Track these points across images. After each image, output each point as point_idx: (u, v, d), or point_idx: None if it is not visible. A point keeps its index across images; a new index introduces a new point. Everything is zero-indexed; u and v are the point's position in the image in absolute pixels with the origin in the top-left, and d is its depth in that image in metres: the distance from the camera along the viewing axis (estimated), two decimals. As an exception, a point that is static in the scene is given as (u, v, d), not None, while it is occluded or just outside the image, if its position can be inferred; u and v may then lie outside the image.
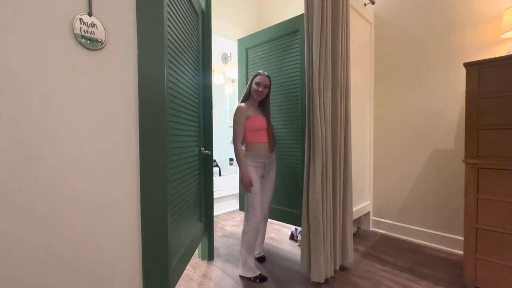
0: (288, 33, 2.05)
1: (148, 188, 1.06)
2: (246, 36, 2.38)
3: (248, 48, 2.35)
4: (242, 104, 1.66)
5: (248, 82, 1.71)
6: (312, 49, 1.58)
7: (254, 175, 1.65)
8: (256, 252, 1.86)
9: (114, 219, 0.98)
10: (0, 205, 0.74)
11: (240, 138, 1.62)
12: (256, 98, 1.68)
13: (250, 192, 1.62)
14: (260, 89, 1.63)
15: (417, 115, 2.22)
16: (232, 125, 1.69)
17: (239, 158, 1.61)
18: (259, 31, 2.27)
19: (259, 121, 1.66)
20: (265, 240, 2.28)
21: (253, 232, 1.65)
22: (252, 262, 1.68)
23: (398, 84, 2.33)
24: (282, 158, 2.14)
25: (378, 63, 2.46)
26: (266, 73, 1.69)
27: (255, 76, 1.67)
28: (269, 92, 1.73)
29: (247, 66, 2.38)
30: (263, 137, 1.68)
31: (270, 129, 1.75)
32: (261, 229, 1.89)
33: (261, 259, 1.93)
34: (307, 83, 1.61)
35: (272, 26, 2.17)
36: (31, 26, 0.79)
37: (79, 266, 0.90)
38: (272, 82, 1.85)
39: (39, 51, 0.80)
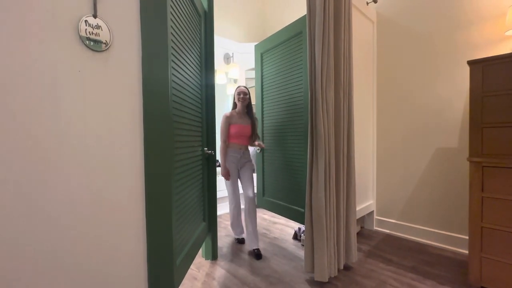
0: (293, 36, 2.10)
1: (152, 187, 1.07)
2: (261, 42, 2.46)
3: (263, 52, 2.45)
4: (227, 113, 2.15)
5: (233, 96, 2.21)
6: (315, 48, 1.59)
7: (232, 166, 2.12)
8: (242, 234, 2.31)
9: (120, 218, 0.99)
10: (4, 206, 0.76)
11: (223, 138, 2.11)
12: (240, 105, 2.13)
13: (228, 180, 2.12)
14: (241, 96, 2.12)
15: (420, 113, 2.21)
16: None
17: (221, 154, 2.10)
18: (271, 36, 2.34)
19: (238, 127, 2.12)
20: (268, 240, 2.30)
21: (232, 213, 2.18)
22: (237, 232, 2.25)
23: (401, 82, 2.32)
24: (290, 156, 2.16)
25: (381, 62, 2.45)
26: (244, 86, 2.21)
27: (236, 89, 2.18)
28: (250, 100, 2.20)
29: (262, 69, 2.45)
30: (237, 140, 2.14)
31: (250, 134, 2.17)
32: (245, 214, 2.14)
33: (257, 256, 1.97)
34: (310, 82, 1.61)
35: (281, 29, 2.22)
36: (38, 28, 0.80)
37: (84, 265, 0.91)
38: (281, 84, 2.23)
39: (46, 53, 0.82)
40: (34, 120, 0.80)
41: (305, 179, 1.91)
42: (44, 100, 0.81)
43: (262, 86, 2.48)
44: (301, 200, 2.01)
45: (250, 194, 2.08)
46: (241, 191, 2.27)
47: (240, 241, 2.25)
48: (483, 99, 1.47)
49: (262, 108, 2.49)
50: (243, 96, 2.12)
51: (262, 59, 2.47)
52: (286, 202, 2.22)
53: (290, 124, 2.15)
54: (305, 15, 1.87)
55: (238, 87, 2.18)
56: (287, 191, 2.20)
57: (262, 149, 2.45)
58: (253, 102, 2.57)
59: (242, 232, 2.29)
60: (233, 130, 2.12)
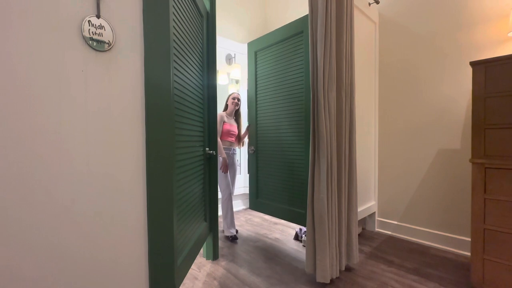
0: (293, 35, 2.07)
1: (154, 187, 1.07)
2: (255, 40, 2.42)
3: (257, 51, 2.41)
4: (223, 113, 2.43)
5: (226, 99, 2.50)
6: (317, 49, 1.59)
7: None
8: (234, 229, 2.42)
9: (121, 218, 1.00)
10: (9, 202, 0.76)
11: (219, 135, 2.31)
12: (233, 108, 2.46)
13: (226, 172, 2.33)
14: (236, 101, 2.44)
15: (423, 114, 2.20)
16: None
17: (220, 149, 2.26)
18: (266, 34, 2.30)
19: (230, 127, 2.42)
20: (270, 241, 2.30)
21: (226, 204, 2.35)
22: (228, 224, 2.35)
23: (403, 83, 2.32)
24: (287, 158, 2.15)
25: (383, 63, 2.45)
26: (237, 92, 2.59)
27: (230, 95, 2.48)
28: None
29: (256, 68, 2.42)
30: (230, 138, 2.43)
31: (239, 133, 2.51)
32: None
33: (234, 239, 2.32)
34: (312, 83, 1.61)
35: (278, 28, 2.19)
36: (41, 28, 0.81)
37: (86, 264, 0.91)
38: (278, 83, 2.25)
39: (49, 53, 0.82)
40: (36, 120, 0.80)
41: (304, 180, 1.91)
42: (47, 100, 0.82)
43: (256, 85, 2.43)
44: (300, 201, 2.00)
45: (232, 191, 2.45)
46: None
47: (233, 238, 2.31)
48: (486, 100, 1.46)
49: (256, 107, 2.44)
50: (237, 102, 2.45)
51: (256, 58, 2.41)
52: (284, 203, 2.20)
53: (289, 124, 2.13)
54: (306, 15, 1.88)
55: (233, 93, 2.51)
56: (285, 193, 2.18)
57: (255, 150, 2.47)
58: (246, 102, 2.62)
59: (233, 226, 2.39)
60: (225, 128, 2.38)
